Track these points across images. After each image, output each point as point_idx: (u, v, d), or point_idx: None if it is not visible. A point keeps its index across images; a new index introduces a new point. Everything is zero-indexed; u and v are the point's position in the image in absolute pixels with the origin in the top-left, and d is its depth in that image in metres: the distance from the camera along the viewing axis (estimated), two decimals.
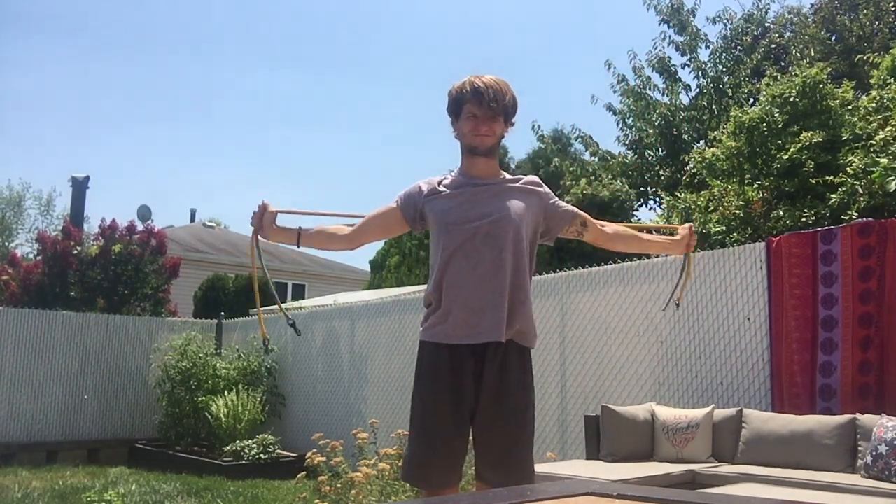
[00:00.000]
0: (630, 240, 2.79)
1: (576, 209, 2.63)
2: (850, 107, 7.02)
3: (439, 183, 2.52)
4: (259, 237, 2.63)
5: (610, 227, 2.73)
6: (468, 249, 2.39)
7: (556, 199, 2.60)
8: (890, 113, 6.40)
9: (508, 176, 2.56)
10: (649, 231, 2.89)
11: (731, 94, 11.46)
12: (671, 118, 11.42)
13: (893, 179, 5.30)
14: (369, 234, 2.63)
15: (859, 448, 4.09)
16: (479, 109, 2.41)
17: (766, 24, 12.87)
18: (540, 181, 2.60)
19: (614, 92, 12.19)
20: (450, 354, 2.40)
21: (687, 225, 2.88)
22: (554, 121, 30.79)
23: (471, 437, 2.46)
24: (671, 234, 2.87)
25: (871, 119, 6.61)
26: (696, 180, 8.60)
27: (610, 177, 10.96)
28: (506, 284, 2.38)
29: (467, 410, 2.40)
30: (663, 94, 12.01)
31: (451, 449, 2.41)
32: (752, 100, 11.00)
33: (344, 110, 52.90)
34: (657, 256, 5.63)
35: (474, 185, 2.48)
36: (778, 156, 6.89)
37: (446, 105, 2.53)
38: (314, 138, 52.14)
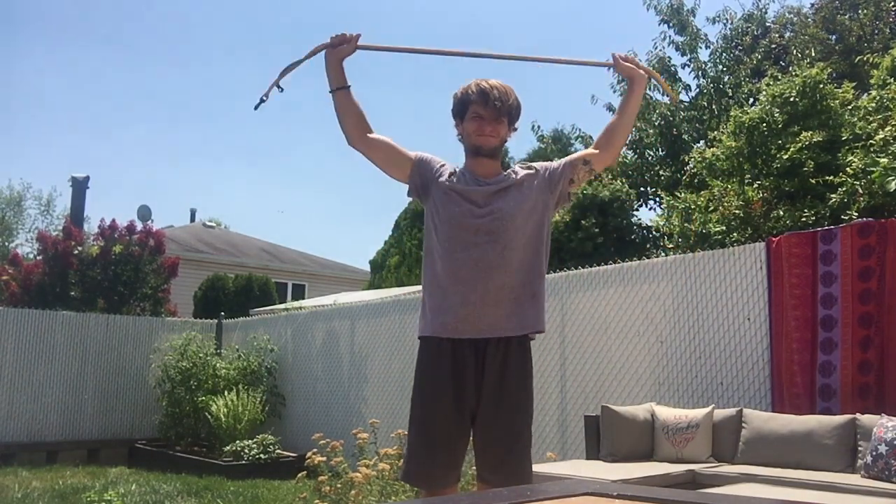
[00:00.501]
0: (616, 127, 2.62)
1: (570, 157, 2.60)
2: (850, 107, 7.02)
3: (451, 172, 2.53)
4: (326, 52, 2.51)
5: (601, 138, 2.61)
6: (469, 245, 2.40)
7: (550, 163, 2.60)
8: (890, 113, 6.40)
9: (509, 173, 2.57)
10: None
11: (731, 94, 11.46)
12: (671, 118, 11.42)
13: (893, 179, 5.30)
14: (372, 152, 2.55)
15: (859, 448, 4.09)
16: (485, 109, 2.44)
17: (767, 25, 12.86)
18: (529, 163, 2.62)
19: (614, 92, 12.19)
20: (452, 349, 2.40)
21: (614, 55, 2.63)
22: (554, 121, 30.80)
23: (471, 438, 2.46)
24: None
25: (871, 119, 6.61)
26: (696, 180, 8.60)
27: (610, 177, 10.96)
28: (508, 281, 2.39)
29: (468, 410, 2.40)
30: (663, 94, 12.01)
31: (451, 448, 2.41)
32: (752, 100, 10.99)
33: None
34: (657, 256, 5.62)
35: (478, 182, 2.50)
36: (778, 156, 6.89)
37: (451, 107, 2.55)
38: (314, 138, 52.13)
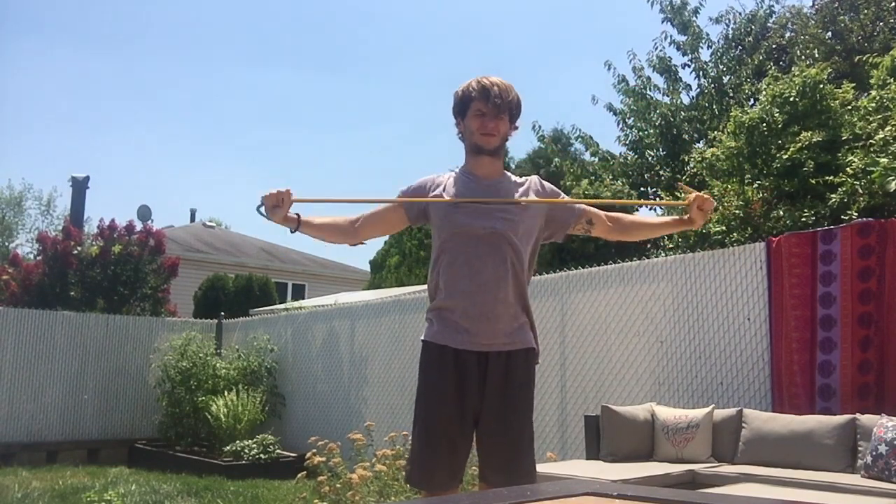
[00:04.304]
0: (640, 228, 2.72)
1: (581, 206, 2.60)
2: (850, 107, 7.02)
3: (443, 182, 2.52)
4: (271, 215, 2.43)
5: (618, 219, 2.65)
6: (470, 257, 2.39)
7: (563, 197, 2.59)
8: (890, 113, 6.40)
9: (513, 177, 2.56)
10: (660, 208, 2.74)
11: (731, 95, 11.45)
12: (671, 118, 11.40)
13: (893, 179, 5.30)
14: (370, 230, 2.61)
15: (859, 448, 4.09)
16: (486, 106, 2.43)
17: (768, 25, 12.85)
18: (543, 181, 2.60)
19: (616, 92, 12.16)
20: (454, 355, 2.40)
21: (692, 196, 2.54)
22: (554, 121, 30.81)
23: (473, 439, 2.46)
24: (683, 212, 2.65)
25: (871, 119, 6.61)
26: (696, 180, 8.59)
27: (611, 177, 10.95)
28: (507, 295, 2.39)
29: (471, 412, 2.39)
30: (664, 95, 12.00)
31: (453, 450, 2.40)
32: (752, 100, 10.98)
33: (344, 110, 52.93)
34: (657, 256, 5.63)
35: (478, 187, 2.48)
36: (778, 156, 6.89)
37: (452, 106, 2.54)
38: (314, 138, 52.17)
